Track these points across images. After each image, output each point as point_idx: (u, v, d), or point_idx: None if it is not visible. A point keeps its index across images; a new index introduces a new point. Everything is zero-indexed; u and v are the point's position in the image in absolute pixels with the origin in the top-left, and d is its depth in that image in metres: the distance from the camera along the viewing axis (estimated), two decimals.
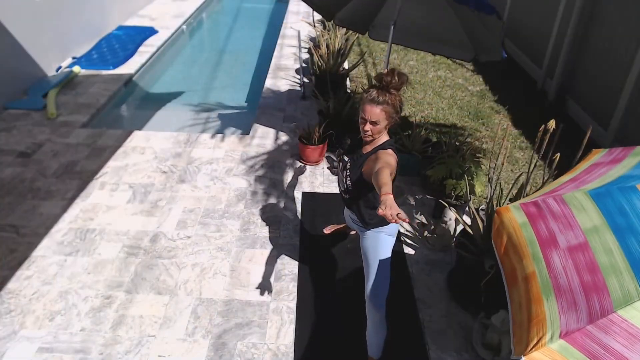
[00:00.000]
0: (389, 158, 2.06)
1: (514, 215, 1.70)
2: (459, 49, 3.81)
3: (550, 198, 1.67)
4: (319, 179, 4.33)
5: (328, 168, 4.49)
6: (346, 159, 2.31)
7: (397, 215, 1.61)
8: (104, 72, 6.41)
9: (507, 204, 3.12)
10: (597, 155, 1.92)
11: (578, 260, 1.43)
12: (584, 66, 5.49)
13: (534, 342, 1.30)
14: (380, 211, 1.62)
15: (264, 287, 3.14)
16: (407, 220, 1.60)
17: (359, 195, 2.28)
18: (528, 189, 3.15)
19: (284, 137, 4.99)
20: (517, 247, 1.61)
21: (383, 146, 2.17)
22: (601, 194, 1.55)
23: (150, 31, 7.95)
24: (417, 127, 4.54)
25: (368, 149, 2.21)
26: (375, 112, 2.07)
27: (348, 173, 2.27)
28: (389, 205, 1.64)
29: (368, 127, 2.11)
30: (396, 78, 2.05)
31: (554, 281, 1.42)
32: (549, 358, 1.25)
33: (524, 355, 1.28)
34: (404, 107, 5.73)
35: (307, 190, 4.16)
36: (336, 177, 4.35)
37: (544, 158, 3.71)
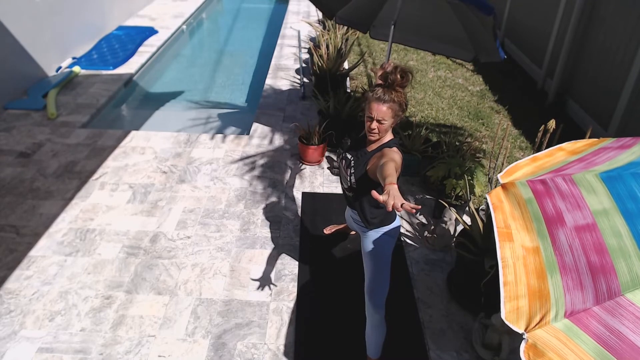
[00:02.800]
0: (395, 155, 2.06)
1: (520, 191, 1.66)
2: (460, 49, 3.81)
3: (559, 177, 1.64)
4: (319, 179, 4.33)
5: (328, 168, 4.49)
6: (349, 156, 2.30)
7: (401, 205, 1.57)
8: (104, 72, 6.41)
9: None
10: (605, 142, 1.90)
11: (585, 241, 1.40)
12: (584, 66, 5.49)
13: (537, 318, 1.28)
14: (382, 198, 1.60)
15: (264, 287, 3.14)
16: (414, 211, 1.56)
17: (363, 193, 2.27)
18: None
19: (284, 137, 4.99)
20: (519, 219, 1.56)
21: (388, 144, 2.17)
22: (613, 177, 1.52)
23: (150, 31, 7.95)
24: (417, 127, 4.54)
25: (373, 147, 2.20)
26: (382, 110, 2.06)
27: (352, 171, 2.26)
28: (392, 195, 1.62)
29: (375, 125, 2.10)
30: (399, 76, 2.05)
31: (559, 259, 1.39)
32: (553, 337, 1.23)
33: (527, 332, 1.25)
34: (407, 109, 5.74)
35: (307, 190, 4.16)
36: (337, 177, 4.36)
37: None
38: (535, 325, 1.26)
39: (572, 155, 1.87)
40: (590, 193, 1.51)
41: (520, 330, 1.27)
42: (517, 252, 1.47)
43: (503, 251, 1.48)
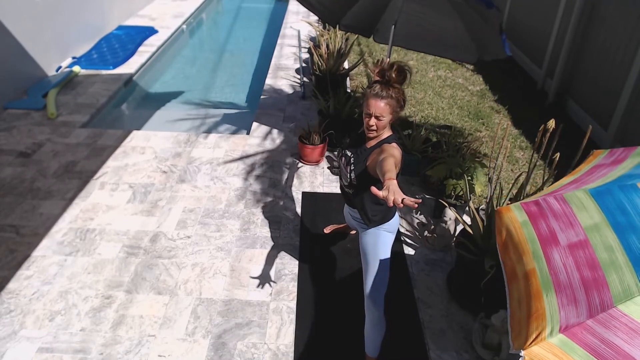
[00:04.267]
0: (394, 151, 2.06)
1: (515, 215, 1.71)
2: (462, 51, 3.79)
3: (551, 197, 1.68)
4: (319, 178, 4.33)
5: (328, 168, 4.49)
6: (349, 153, 2.30)
7: (402, 200, 1.57)
8: (104, 72, 6.41)
9: (507, 203, 3.12)
10: (598, 157, 1.93)
11: (578, 257, 1.43)
12: (584, 66, 5.49)
13: (534, 336, 1.30)
14: (381, 194, 1.60)
15: (264, 287, 3.14)
16: (416, 205, 1.55)
17: (363, 190, 2.27)
18: (528, 188, 3.15)
19: (284, 137, 4.99)
20: (517, 245, 1.61)
21: (387, 140, 2.17)
22: (601, 192, 1.56)
23: (150, 31, 7.95)
24: (417, 127, 4.54)
25: (372, 143, 2.21)
26: (380, 107, 2.07)
27: (352, 167, 2.26)
28: (392, 190, 1.62)
29: (373, 121, 2.11)
30: (397, 72, 2.05)
31: (554, 278, 1.42)
32: (549, 352, 1.25)
33: (523, 350, 1.28)
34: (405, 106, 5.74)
35: (307, 190, 4.16)
36: (336, 177, 4.36)
37: (544, 158, 3.71)
38: (532, 342, 1.29)
39: (567, 177, 1.91)
40: (581, 209, 1.54)
41: (517, 350, 1.30)
42: (521, 287, 1.51)
43: (512, 292, 1.53)
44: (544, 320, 1.33)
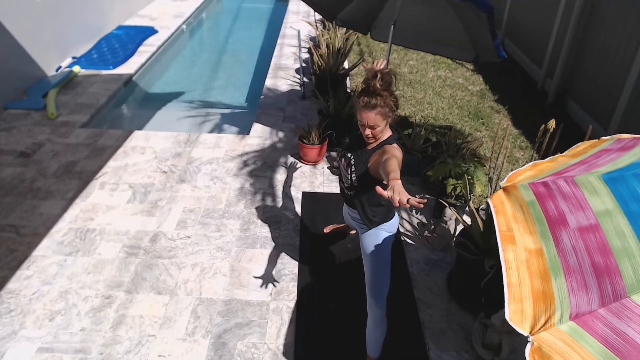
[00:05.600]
0: (396, 151, 2.06)
1: (522, 194, 1.66)
2: (460, 50, 3.80)
3: (560, 179, 1.64)
4: (319, 178, 4.33)
5: (328, 168, 4.49)
6: (349, 155, 2.31)
7: (407, 200, 1.56)
8: (104, 72, 6.41)
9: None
10: (605, 143, 1.89)
11: (589, 241, 1.40)
12: (584, 66, 5.49)
13: (542, 321, 1.27)
14: (387, 194, 1.60)
15: (264, 286, 3.14)
16: (422, 206, 1.55)
17: (363, 191, 2.27)
18: None
19: (283, 137, 4.99)
20: (522, 222, 1.56)
21: (388, 141, 2.17)
22: (615, 178, 1.52)
23: (150, 31, 7.95)
24: (417, 127, 4.54)
25: (373, 145, 2.22)
26: (371, 117, 2.07)
27: (353, 169, 2.26)
28: (397, 190, 1.62)
29: (368, 131, 2.12)
30: (380, 82, 2.03)
31: (562, 260, 1.39)
32: (558, 339, 1.22)
33: (531, 335, 1.25)
34: (404, 106, 5.73)
35: (307, 190, 4.16)
36: (336, 177, 4.36)
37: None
38: (540, 328, 1.25)
39: (573, 158, 1.86)
40: (593, 194, 1.50)
41: (525, 333, 1.26)
42: (519, 254, 1.46)
43: (506, 254, 1.47)
44: (552, 304, 1.30)
